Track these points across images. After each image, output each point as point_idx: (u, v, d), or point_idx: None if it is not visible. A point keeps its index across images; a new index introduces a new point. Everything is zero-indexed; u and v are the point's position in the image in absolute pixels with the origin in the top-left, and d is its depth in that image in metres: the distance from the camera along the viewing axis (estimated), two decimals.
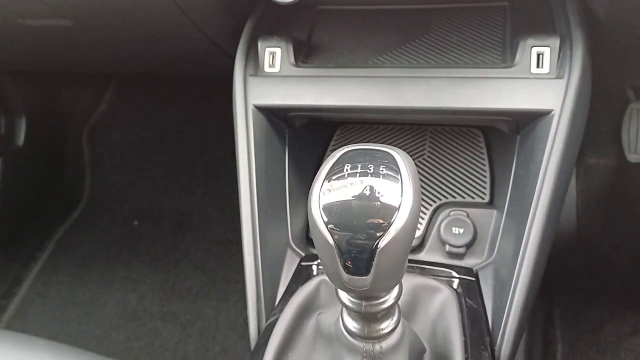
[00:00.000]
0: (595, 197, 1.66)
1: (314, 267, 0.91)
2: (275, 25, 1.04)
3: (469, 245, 0.95)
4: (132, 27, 1.11)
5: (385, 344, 0.61)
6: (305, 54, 1.00)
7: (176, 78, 1.87)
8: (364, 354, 0.61)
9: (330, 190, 0.51)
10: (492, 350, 0.79)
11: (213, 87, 1.45)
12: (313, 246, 1.00)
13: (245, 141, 0.95)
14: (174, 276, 1.82)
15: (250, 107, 0.95)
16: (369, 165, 0.51)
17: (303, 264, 0.93)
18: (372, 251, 0.49)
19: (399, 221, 0.49)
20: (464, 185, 1.06)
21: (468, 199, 1.04)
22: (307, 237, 1.04)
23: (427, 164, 1.10)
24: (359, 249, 0.49)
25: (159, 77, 1.92)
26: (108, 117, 2.15)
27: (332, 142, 1.15)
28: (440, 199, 1.04)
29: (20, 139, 1.88)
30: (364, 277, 0.51)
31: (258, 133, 0.96)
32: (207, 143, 2.03)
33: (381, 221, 0.49)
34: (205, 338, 1.64)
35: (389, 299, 0.57)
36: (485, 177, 1.06)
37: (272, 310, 0.87)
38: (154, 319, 1.71)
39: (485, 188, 1.05)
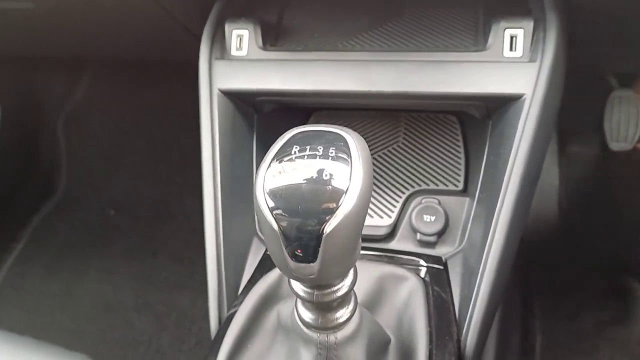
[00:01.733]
0: (578, 186, 1.65)
1: None
2: (244, 7, 1.01)
3: (440, 234, 0.93)
4: (96, 9, 1.06)
5: (341, 334, 0.58)
6: (275, 37, 0.97)
7: (152, 64, 1.83)
8: (319, 345, 0.58)
9: (277, 174, 0.49)
10: (459, 341, 0.77)
11: (191, 73, 1.42)
12: None
13: (209, 127, 0.92)
14: (150, 267, 1.79)
15: (215, 92, 0.92)
16: (319, 147, 0.49)
17: (268, 253, 0.91)
18: (318, 237, 0.46)
19: (347, 205, 0.46)
20: (438, 173, 1.03)
21: (442, 187, 1.01)
22: None
23: (402, 150, 1.08)
24: (304, 235, 0.47)
25: (135, 63, 1.88)
26: (84, 105, 2.10)
27: None
28: (413, 187, 1.01)
29: None
30: (311, 264, 0.48)
31: (223, 118, 0.93)
32: (186, 130, 1.98)
33: (328, 205, 0.46)
34: (181, 330, 1.62)
35: (343, 287, 0.54)
36: (459, 164, 1.04)
37: (234, 300, 0.84)
38: (129, 310, 1.68)
39: (459, 175, 1.02)
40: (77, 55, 1.77)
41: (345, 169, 0.47)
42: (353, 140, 0.49)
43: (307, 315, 0.57)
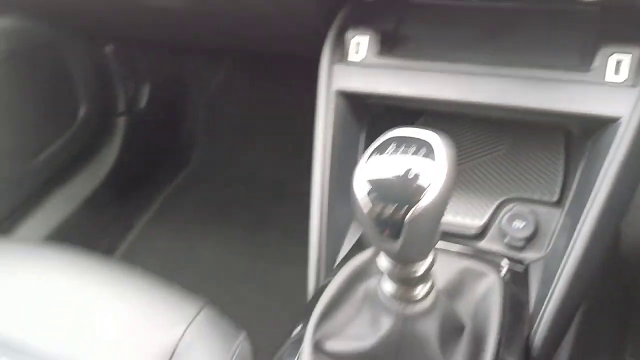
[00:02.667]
0: None
1: None
2: (365, 16, 1.12)
3: (528, 240, 0.98)
4: (236, 11, 1.23)
5: (417, 307, 0.68)
6: (390, 45, 1.07)
7: (283, 58, 2.00)
8: (397, 315, 0.68)
9: (373, 166, 0.59)
10: (529, 338, 0.83)
11: (314, 70, 1.57)
12: None
13: (323, 122, 1.04)
14: (263, 241, 1.98)
15: (333, 92, 1.05)
16: (412, 147, 0.58)
17: (363, 238, 1.02)
18: (402, 222, 0.56)
19: (427, 199, 0.55)
20: (535, 183, 1.08)
21: (537, 197, 1.06)
22: None
23: (503, 159, 1.13)
24: (390, 219, 0.57)
25: (268, 57, 2.07)
26: (221, 90, 2.35)
27: None
28: (508, 193, 1.07)
29: (144, 102, 2.13)
30: (394, 243, 0.58)
31: (337, 116, 1.05)
32: (306, 121, 2.15)
33: (412, 197, 0.56)
34: (285, 299, 1.78)
35: (421, 267, 0.64)
36: (557, 177, 1.08)
37: (330, 273, 0.96)
38: (241, 276, 1.88)
39: (556, 187, 1.06)
40: (219, 46, 1.99)
41: (431, 167, 0.56)
42: (442, 143, 0.58)
43: (389, 287, 0.67)
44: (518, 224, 1.00)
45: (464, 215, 1.05)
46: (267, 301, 1.80)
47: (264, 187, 2.19)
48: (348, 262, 0.90)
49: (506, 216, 1.01)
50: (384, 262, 0.65)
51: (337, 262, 1.00)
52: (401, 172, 0.57)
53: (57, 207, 1.94)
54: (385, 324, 0.71)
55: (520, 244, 0.98)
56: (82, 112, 1.92)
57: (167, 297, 1.07)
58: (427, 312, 0.69)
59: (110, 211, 2.09)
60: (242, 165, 2.29)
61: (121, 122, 2.08)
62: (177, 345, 0.97)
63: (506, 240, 0.99)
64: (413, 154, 0.57)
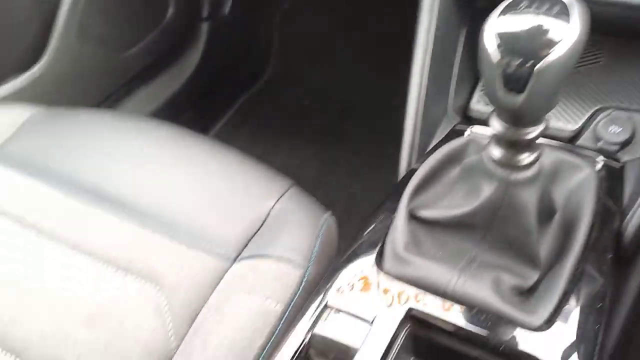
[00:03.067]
0: None
1: (466, 133, 1.00)
2: None
3: (623, 145, 0.98)
4: None
5: (521, 175, 0.70)
6: None
7: None
8: (501, 180, 0.71)
9: (503, 21, 0.60)
10: (620, 227, 0.84)
11: None
12: (467, 118, 1.10)
13: (428, 13, 1.04)
14: (332, 153, 2.03)
15: None
16: (544, 5, 0.59)
17: (456, 129, 1.04)
18: (529, 73, 0.58)
19: (557, 53, 0.56)
20: (632, 95, 1.06)
21: (635, 107, 1.04)
22: (463, 110, 1.13)
23: (601, 69, 1.11)
24: (517, 70, 0.58)
25: None
26: (300, 4, 2.36)
27: None
28: (606, 102, 1.05)
29: (226, 9, 2.17)
30: (518, 96, 0.60)
31: (441, 8, 1.05)
32: (385, 42, 2.14)
33: (542, 50, 0.57)
34: (348, 212, 1.84)
35: (533, 131, 0.65)
36: None
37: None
38: (309, 182, 1.95)
39: None
40: None
41: (564, 25, 0.57)
42: (577, 3, 0.59)
43: (497, 152, 0.70)
44: (614, 129, 0.99)
45: (557, 120, 1.05)
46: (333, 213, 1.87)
47: (334, 104, 2.23)
48: (441, 147, 0.92)
49: (602, 121, 1.01)
50: (496, 124, 0.67)
51: (428, 150, 1.03)
52: (532, 27, 0.58)
53: (139, 106, 2.03)
54: (487, 190, 0.73)
55: (614, 148, 0.98)
56: (170, 12, 1.97)
57: (259, 173, 1.14)
58: (529, 181, 0.71)
59: (188, 114, 2.18)
60: (315, 81, 2.32)
61: (205, 28, 2.13)
62: (267, 215, 1.04)
63: (600, 144, 0.99)
64: (545, 11, 0.58)
